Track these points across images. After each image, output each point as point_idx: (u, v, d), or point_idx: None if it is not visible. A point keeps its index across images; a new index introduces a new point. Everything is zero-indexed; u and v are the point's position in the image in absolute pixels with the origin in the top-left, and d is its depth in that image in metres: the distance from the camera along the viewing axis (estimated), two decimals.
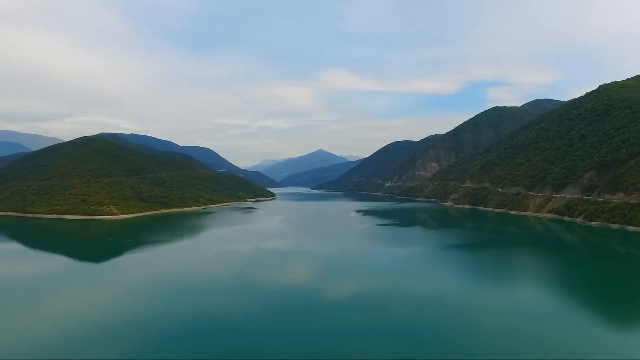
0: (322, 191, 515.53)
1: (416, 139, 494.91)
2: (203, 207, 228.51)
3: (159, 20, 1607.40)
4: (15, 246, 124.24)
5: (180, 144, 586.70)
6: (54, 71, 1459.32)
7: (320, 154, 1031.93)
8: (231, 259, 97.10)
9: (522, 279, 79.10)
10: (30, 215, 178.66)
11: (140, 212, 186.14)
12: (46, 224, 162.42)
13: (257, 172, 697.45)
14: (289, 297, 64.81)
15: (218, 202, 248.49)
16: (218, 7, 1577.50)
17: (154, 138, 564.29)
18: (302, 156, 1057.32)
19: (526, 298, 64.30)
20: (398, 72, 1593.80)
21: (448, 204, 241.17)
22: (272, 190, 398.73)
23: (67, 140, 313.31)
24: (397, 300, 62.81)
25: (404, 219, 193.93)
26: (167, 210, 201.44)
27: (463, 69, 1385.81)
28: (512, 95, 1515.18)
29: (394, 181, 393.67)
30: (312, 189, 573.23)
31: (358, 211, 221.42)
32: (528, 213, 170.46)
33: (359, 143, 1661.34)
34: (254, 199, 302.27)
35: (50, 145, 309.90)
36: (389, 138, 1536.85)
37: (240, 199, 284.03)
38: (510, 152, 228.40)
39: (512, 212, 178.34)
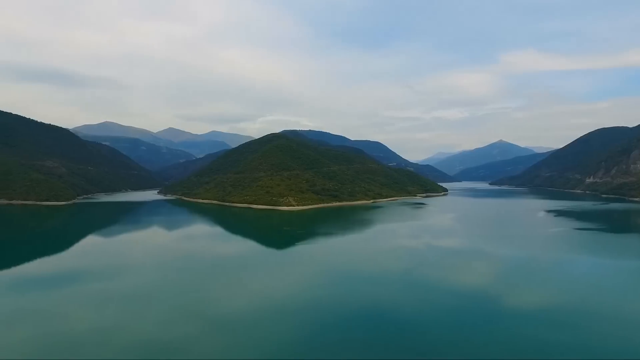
0: (502, 187, 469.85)
1: (630, 125, 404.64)
2: (372, 201, 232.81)
3: (330, 21, 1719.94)
4: (218, 230, 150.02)
5: (352, 138, 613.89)
6: (246, 78, 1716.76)
7: (501, 146, 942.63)
8: (401, 254, 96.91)
9: None
10: (227, 204, 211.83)
11: (313, 204, 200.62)
12: (239, 212, 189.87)
13: (428, 165, 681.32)
14: (463, 300, 60.89)
15: (387, 197, 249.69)
16: (385, 0, 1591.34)
17: (328, 133, 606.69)
18: (479, 148, 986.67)
19: None
20: (602, 45, 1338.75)
21: None
22: (445, 185, 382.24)
23: (257, 137, 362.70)
24: (602, 320, 52.48)
25: (613, 224, 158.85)
26: (338, 204, 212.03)
27: None
28: None
29: (599, 176, 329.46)
30: (490, 184, 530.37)
31: (549, 211, 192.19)
32: None
33: (549, 132, 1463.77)
34: (424, 194, 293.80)
35: (244, 142, 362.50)
36: (591, 124, 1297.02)
37: (409, 193, 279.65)
38: None
39: None
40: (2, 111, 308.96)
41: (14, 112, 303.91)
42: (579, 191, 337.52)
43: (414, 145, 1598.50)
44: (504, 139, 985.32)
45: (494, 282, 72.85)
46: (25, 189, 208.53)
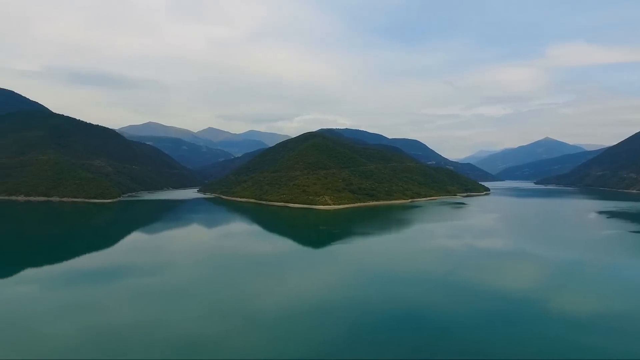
0: (548, 186, 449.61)
1: None
2: (410, 200, 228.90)
3: (368, 18, 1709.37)
4: (255, 228, 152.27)
5: (389, 137, 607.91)
6: (284, 77, 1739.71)
7: (547, 143, 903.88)
8: (440, 255, 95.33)
9: None
10: (264, 202, 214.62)
11: (350, 204, 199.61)
12: (275, 211, 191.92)
13: (469, 164, 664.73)
14: (502, 303, 59.44)
15: (425, 196, 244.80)
16: None
17: (365, 132, 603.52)
18: (523, 146, 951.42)
19: None
20: None
21: None
22: (486, 184, 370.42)
23: (294, 136, 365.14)
24: None
25: None
26: (374, 203, 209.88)
27: None
28: None
29: None
30: (535, 183, 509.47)
31: (601, 212, 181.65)
32: None
33: (600, 128, 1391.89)
34: (464, 194, 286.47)
35: (281, 141, 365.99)
36: None
37: (449, 193, 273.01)
38: None
39: None
40: (56, 113, 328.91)
41: (65, 114, 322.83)
42: (634, 191, 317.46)
43: (453, 144, 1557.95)
44: (550, 136, 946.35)
45: (536, 285, 69.70)
46: (75, 187, 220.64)
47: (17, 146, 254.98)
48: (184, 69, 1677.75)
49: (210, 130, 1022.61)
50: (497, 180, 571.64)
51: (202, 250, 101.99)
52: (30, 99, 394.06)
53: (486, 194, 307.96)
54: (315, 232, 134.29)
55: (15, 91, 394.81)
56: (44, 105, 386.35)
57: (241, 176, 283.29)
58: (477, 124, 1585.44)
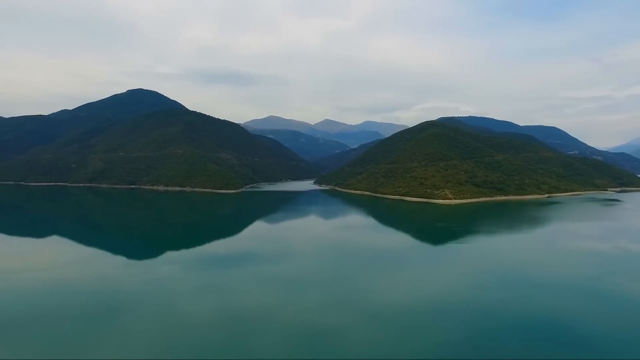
0: None
1: None
2: (546, 195, 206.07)
3: None
4: (370, 221, 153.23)
5: (521, 124, 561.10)
6: (401, 65, 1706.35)
7: None
8: (585, 259, 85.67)
9: None
10: (379, 195, 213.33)
11: (473, 198, 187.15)
12: (391, 204, 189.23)
13: (622, 153, 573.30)
14: None
15: (566, 191, 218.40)
16: None
17: (492, 119, 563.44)
18: None
19: None
20: None
21: None
22: None
23: (411, 126, 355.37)
24: None
25: None
26: (502, 197, 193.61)
27: None
28: None
29: None
30: None
31: None
32: None
33: None
34: (618, 189, 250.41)
35: (397, 132, 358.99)
36: None
37: (597, 187, 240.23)
38: None
39: None
40: (190, 110, 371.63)
41: (198, 111, 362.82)
42: None
43: (602, 130, 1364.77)
44: None
45: None
46: (204, 178, 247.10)
47: (159, 141, 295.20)
48: (302, 63, 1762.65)
49: (327, 122, 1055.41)
50: None
51: (320, 242, 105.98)
52: (170, 98, 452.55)
53: None
54: (434, 229, 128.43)
55: (159, 92, 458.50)
56: (181, 103, 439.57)
57: (356, 168, 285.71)
58: (634, 106, 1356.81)
